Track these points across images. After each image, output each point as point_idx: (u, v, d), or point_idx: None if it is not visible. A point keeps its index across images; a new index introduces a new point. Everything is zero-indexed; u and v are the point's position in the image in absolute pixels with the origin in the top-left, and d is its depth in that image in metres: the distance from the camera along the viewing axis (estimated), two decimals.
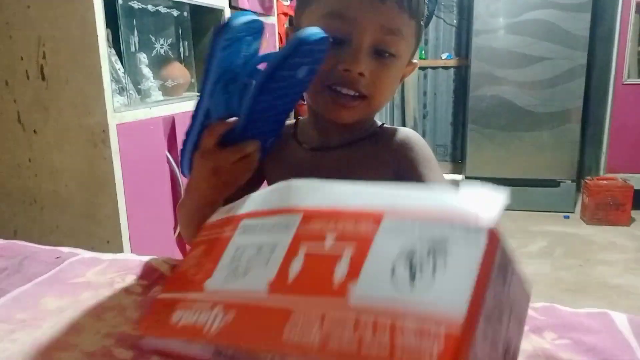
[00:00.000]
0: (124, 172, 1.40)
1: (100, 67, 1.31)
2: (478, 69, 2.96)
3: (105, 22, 1.33)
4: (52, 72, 1.36)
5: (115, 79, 1.52)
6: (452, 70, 3.50)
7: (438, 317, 0.25)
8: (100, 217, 1.41)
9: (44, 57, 1.36)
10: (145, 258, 0.66)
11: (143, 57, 1.65)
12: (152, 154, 1.54)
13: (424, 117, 3.63)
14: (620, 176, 2.78)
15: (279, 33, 2.50)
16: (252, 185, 0.72)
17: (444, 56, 3.47)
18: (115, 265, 0.64)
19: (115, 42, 1.56)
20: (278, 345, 0.29)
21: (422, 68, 3.49)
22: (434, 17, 3.40)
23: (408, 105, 3.51)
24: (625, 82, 2.78)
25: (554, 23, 2.81)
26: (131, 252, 1.43)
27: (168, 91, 1.76)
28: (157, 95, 1.69)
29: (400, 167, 0.62)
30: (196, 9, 1.86)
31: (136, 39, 1.62)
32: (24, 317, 0.52)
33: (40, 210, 1.47)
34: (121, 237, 1.41)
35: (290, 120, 0.74)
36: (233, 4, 2.02)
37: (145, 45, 1.68)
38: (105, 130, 1.34)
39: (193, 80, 1.91)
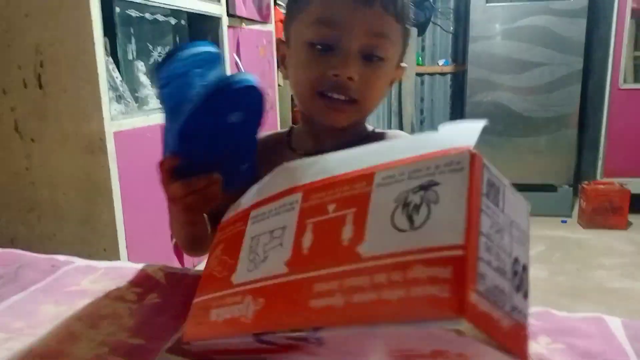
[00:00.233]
0: (121, 180, 1.40)
1: (98, 75, 1.32)
2: (475, 75, 2.97)
3: (102, 30, 1.34)
4: (49, 81, 1.37)
5: (113, 87, 1.52)
6: (449, 77, 3.52)
7: (441, 244, 0.26)
8: (97, 225, 1.41)
9: (41, 66, 1.36)
10: (140, 266, 0.66)
11: (141, 65, 1.66)
12: (149, 161, 1.54)
13: (422, 123, 3.64)
14: (617, 180, 2.79)
15: (276, 41, 2.51)
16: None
17: (440, 62, 3.48)
18: (111, 273, 0.64)
19: (112, 51, 1.57)
20: (307, 315, 0.31)
21: (419, 74, 3.50)
22: (430, 24, 3.42)
23: (405, 112, 3.53)
24: (622, 87, 2.79)
25: (550, 29, 2.83)
26: (128, 259, 1.43)
27: None
28: (154, 103, 1.70)
29: None
30: (194, 17, 1.87)
31: (134, 47, 1.63)
32: (19, 326, 0.52)
33: (37, 218, 1.47)
34: (118, 244, 1.41)
35: (284, 129, 0.74)
36: (231, 12, 2.03)
37: (143, 53, 1.69)
38: (102, 138, 1.35)
39: None
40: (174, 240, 1.57)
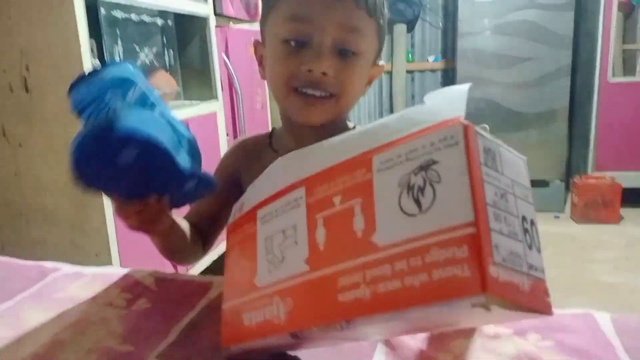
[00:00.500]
0: None
1: None
2: (464, 71, 2.98)
3: (88, 32, 1.33)
4: (35, 84, 1.36)
5: None
6: (439, 73, 3.52)
7: (452, 225, 0.27)
8: (88, 230, 1.40)
9: (27, 69, 1.35)
10: (130, 271, 0.65)
11: None
12: None
13: None
14: (608, 174, 2.81)
15: None
16: (232, 199, 0.73)
17: (430, 59, 3.49)
18: (99, 279, 0.64)
19: (99, 53, 1.55)
20: (338, 309, 0.31)
21: (409, 71, 3.50)
22: (419, 21, 3.42)
23: (397, 109, 3.53)
24: (611, 81, 2.81)
25: (538, 23, 2.84)
26: (121, 264, 1.42)
27: None
28: None
29: None
30: (181, 18, 1.86)
31: (120, 48, 1.62)
32: (6, 334, 0.51)
33: (27, 224, 1.46)
34: (110, 249, 1.40)
35: (266, 131, 0.74)
36: (218, 12, 2.02)
37: (130, 55, 1.68)
38: None
39: (179, 88, 1.91)
40: None
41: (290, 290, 0.36)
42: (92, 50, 1.41)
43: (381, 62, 0.69)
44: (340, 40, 0.60)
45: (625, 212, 2.77)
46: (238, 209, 0.47)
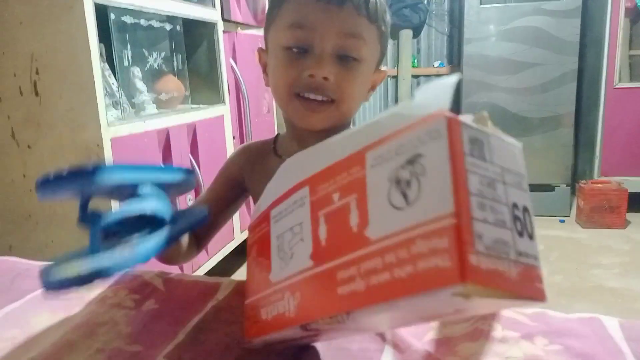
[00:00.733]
0: None
1: (94, 81, 1.32)
2: (470, 76, 2.98)
3: (98, 37, 1.34)
4: (45, 88, 1.37)
5: (109, 93, 1.52)
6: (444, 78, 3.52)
7: (434, 216, 0.27)
8: None
9: (37, 73, 1.36)
10: (138, 272, 0.66)
11: (137, 71, 1.66)
12: None
13: None
14: (614, 179, 2.79)
15: None
16: (232, 202, 0.74)
17: (436, 64, 3.49)
18: (107, 279, 0.64)
19: (108, 57, 1.57)
20: (337, 302, 0.33)
21: (415, 76, 3.51)
22: (425, 26, 3.43)
23: None
24: (617, 86, 2.80)
25: (544, 29, 2.84)
26: None
27: (162, 104, 1.77)
28: (151, 108, 1.70)
29: None
30: (189, 23, 1.87)
31: (129, 53, 1.63)
32: (15, 335, 0.52)
33: (35, 226, 1.47)
34: None
35: (271, 136, 0.75)
36: (226, 17, 2.03)
37: (139, 59, 1.69)
38: (99, 145, 1.35)
39: (187, 93, 1.92)
40: None
41: (298, 285, 0.38)
42: (101, 55, 1.43)
43: (384, 68, 0.70)
44: (341, 46, 0.60)
45: (631, 217, 2.75)
46: (257, 210, 0.49)
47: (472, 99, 3.00)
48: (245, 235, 2.24)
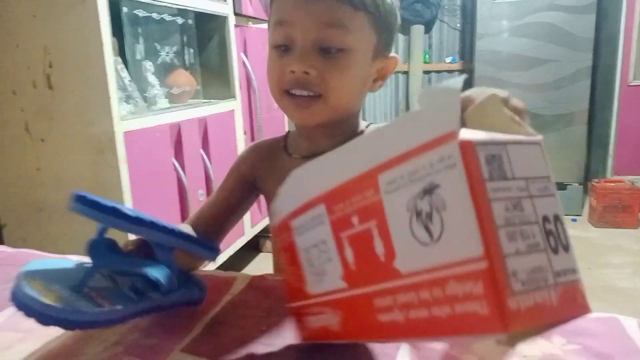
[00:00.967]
0: (131, 180, 1.41)
1: (106, 75, 1.33)
2: (482, 72, 2.96)
3: (110, 30, 1.34)
4: (58, 81, 1.38)
5: (122, 87, 1.53)
6: (456, 74, 3.50)
7: (464, 258, 0.26)
8: None
9: (50, 66, 1.37)
10: None
11: (149, 65, 1.67)
12: (158, 161, 1.55)
13: None
14: (627, 178, 2.77)
15: None
16: (242, 202, 0.74)
17: (448, 60, 3.47)
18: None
19: (121, 51, 1.57)
20: (379, 328, 0.33)
21: (427, 72, 3.49)
22: (437, 21, 3.41)
23: (413, 109, 3.51)
24: (631, 84, 2.77)
25: (558, 25, 2.81)
26: None
27: (174, 98, 1.77)
28: (163, 102, 1.70)
29: None
30: (201, 17, 1.88)
31: (142, 47, 1.64)
32: (31, 327, 0.52)
33: (48, 218, 1.48)
34: None
35: (281, 134, 0.75)
36: (237, 11, 2.03)
37: (151, 53, 1.69)
38: (111, 138, 1.35)
39: (198, 87, 1.93)
40: None
41: (337, 304, 0.38)
42: (113, 48, 1.43)
43: (392, 55, 0.67)
44: (322, 38, 0.59)
45: None
46: (274, 212, 0.47)
47: None
48: (255, 230, 2.25)
